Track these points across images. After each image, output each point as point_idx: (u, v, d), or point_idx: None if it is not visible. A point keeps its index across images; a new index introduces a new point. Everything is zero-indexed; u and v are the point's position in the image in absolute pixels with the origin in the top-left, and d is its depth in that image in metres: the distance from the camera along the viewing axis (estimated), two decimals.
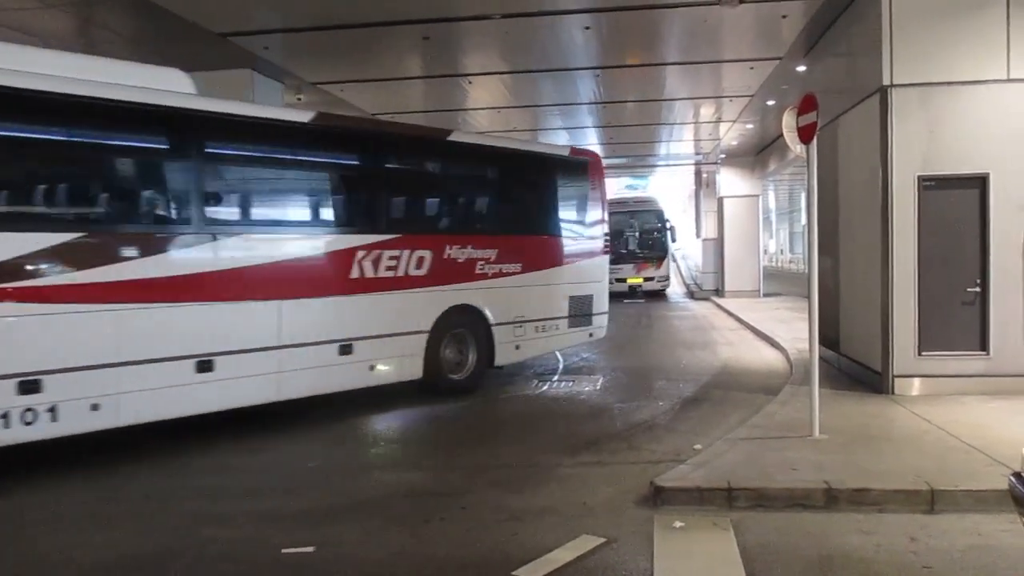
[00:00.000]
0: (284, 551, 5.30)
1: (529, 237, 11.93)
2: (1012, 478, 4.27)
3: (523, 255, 11.48)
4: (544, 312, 11.72)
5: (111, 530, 5.84)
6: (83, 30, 11.18)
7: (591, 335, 12.81)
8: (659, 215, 29.56)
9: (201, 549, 5.42)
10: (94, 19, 10.62)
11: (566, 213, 12.74)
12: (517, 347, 11.30)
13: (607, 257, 13.33)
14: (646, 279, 28.26)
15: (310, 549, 5.30)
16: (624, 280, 27.64)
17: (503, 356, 11.13)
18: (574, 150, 14.07)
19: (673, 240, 29.56)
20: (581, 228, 12.80)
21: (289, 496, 6.58)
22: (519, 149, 12.30)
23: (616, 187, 39.13)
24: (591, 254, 12.83)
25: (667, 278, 29.58)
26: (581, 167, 12.96)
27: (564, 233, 12.47)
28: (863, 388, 9.71)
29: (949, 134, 9.09)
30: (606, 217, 13.28)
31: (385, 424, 9.59)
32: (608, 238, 13.31)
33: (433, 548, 5.29)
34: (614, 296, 26.51)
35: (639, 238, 28.89)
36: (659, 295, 29.29)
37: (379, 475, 7.17)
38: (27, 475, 7.48)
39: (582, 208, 12.93)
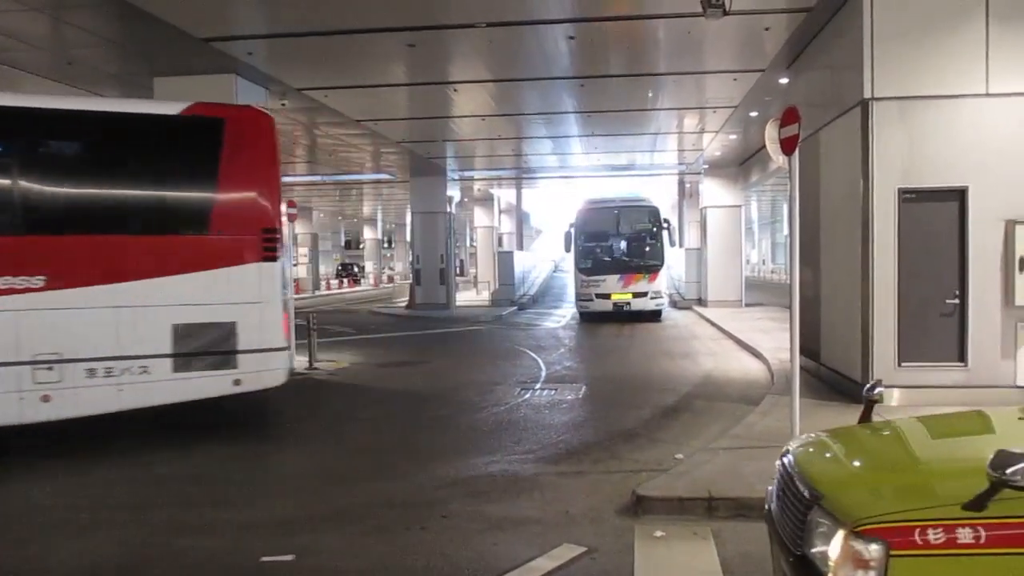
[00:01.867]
0: (264, 559, 5.27)
1: (61, 237, 8.35)
2: (770, 488, 4.06)
3: (49, 262, 8.03)
4: (112, 348, 8.18)
5: (86, 539, 5.78)
6: (63, 33, 11.09)
7: (237, 382, 8.75)
8: (653, 214, 23.61)
9: (179, 558, 5.37)
10: (74, 22, 10.53)
11: (167, 199, 9.10)
12: (46, 398, 7.92)
13: (274, 265, 9.03)
14: (635, 295, 22.34)
15: (290, 558, 5.27)
16: (607, 296, 22.42)
17: (4, 412, 7.80)
18: (199, 106, 9.22)
19: (672, 244, 23.75)
20: (207, 221, 8.95)
21: (268, 504, 6.54)
22: (29, 107, 8.73)
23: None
24: (232, 260, 8.83)
25: (661, 294, 23.30)
26: (206, 131, 9.01)
27: (161, 229, 8.89)
28: (843, 398, 9.75)
29: (929, 147, 9.17)
30: (273, 205, 9.11)
31: (358, 432, 9.55)
32: (274, 236, 9.00)
33: (413, 557, 5.27)
34: (592, 316, 23.03)
35: (627, 243, 23.43)
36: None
37: (358, 484, 7.13)
38: None
39: (208, 192, 8.96)
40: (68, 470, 7.83)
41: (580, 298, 23.39)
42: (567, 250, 24.30)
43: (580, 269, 23.40)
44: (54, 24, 10.69)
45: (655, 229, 23.28)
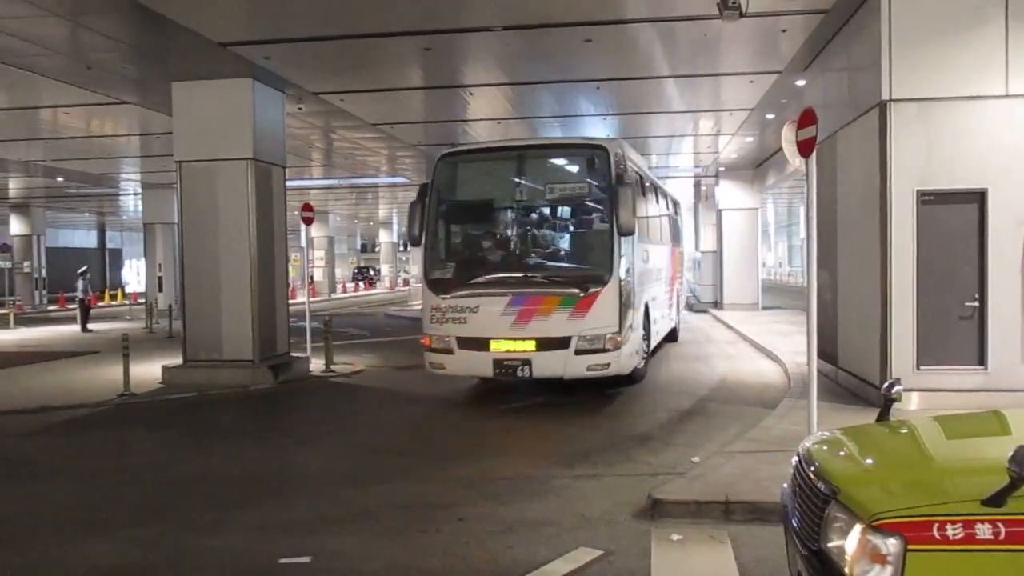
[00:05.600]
0: (280, 561, 5.28)
1: None
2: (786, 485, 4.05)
3: None
4: None
5: (102, 539, 5.83)
6: (81, 38, 11.18)
7: None
8: (597, 165, 10.83)
9: (196, 559, 5.40)
10: (93, 27, 10.62)
11: None
12: None
13: None
14: (544, 344, 10.20)
15: (306, 559, 5.28)
16: (482, 344, 10.37)
17: None
18: None
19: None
20: None
21: (284, 506, 6.56)
22: None
23: None
24: None
25: (611, 340, 10.24)
26: None
27: None
28: (861, 402, 9.69)
29: (948, 149, 9.10)
30: None
31: (375, 434, 9.56)
32: None
33: (429, 560, 5.27)
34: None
35: (532, 228, 11.28)
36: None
37: (375, 486, 7.14)
38: (15, 485, 7.47)
39: None
40: (85, 471, 7.90)
41: (430, 346, 10.84)
42: (414, 241, 11.28)
43: (430, 283, 11.02)
44: (73, 29, 10.78)
45: (600, 195, 10.70)
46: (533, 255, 10.99)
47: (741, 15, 8.92)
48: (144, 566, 5.32)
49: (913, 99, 9.13)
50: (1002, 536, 2.74)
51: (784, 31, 11.27)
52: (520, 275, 10.55)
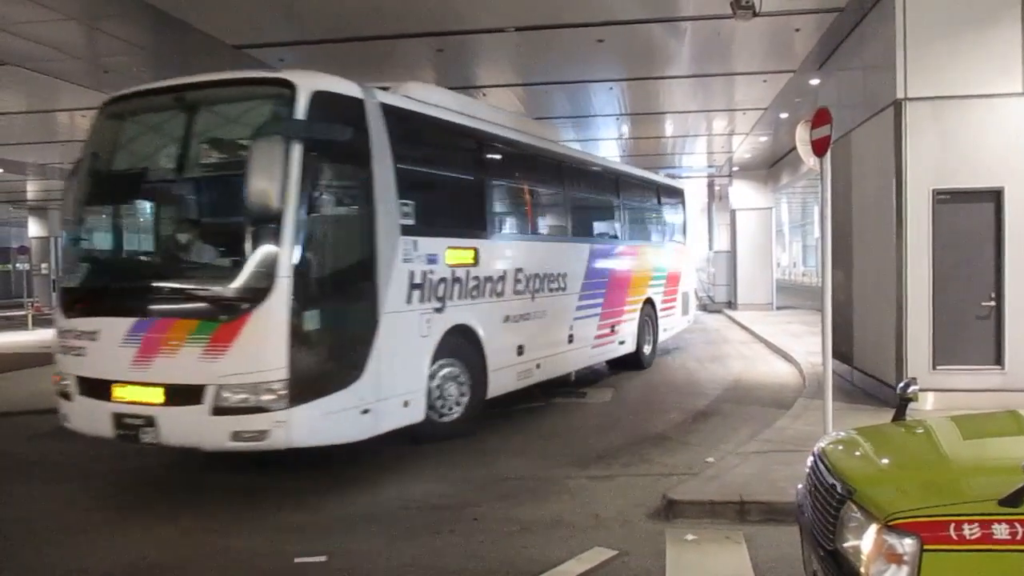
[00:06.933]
0: (297, 560, 5.32)
1: None
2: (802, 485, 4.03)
3: None
4: None
5: (119, 540, 5.87)
6: (98, 42, 11.29)
7: None
8: (281, 115, 6.54)
9: (213, 558, 5.44)
10: (109, 31, 10.72)
11: None
12: None
13: None
14: (173, 394, 6.25)
15: (323, 559, 5.31)
16: (102, 389, 6.60)
17: None
18: None
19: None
20: None
21: (299, 507, 6.60)
22: None
23: None
24: None
25: (277, 396, 6.12)
26: None
27: None
28: (877, 402, 9.64)
29: (964, 148, 9.05)
30: None
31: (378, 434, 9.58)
32: None
33: (444, 560, 5.29)
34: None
35: (175, 219, 7.32)
36: None
37: (387, 487, 7.17)
38: (31, 486, 7.54)
39: None
40: (99, 470, 7.96)
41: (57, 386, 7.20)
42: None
43: (60, 294, 7.78)
44: (89, 33, 10.89)
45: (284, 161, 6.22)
46: (173, 255, 7.20)
47: (754, 14, 8.91)
48: (160, 566, 5.36)
49: (928, 98, 9.08)
50: (1019, 536, 2.73)
51: (798, 30, 11.24)
52: (151, 286, 6.83)
